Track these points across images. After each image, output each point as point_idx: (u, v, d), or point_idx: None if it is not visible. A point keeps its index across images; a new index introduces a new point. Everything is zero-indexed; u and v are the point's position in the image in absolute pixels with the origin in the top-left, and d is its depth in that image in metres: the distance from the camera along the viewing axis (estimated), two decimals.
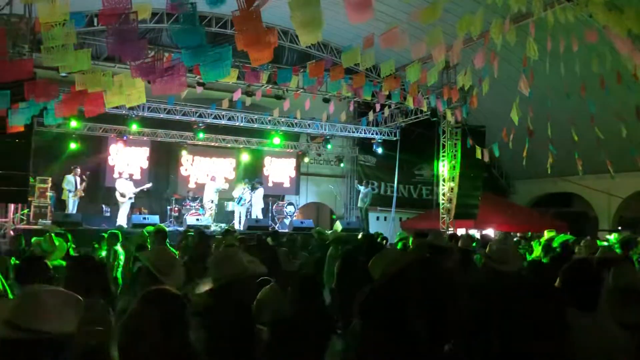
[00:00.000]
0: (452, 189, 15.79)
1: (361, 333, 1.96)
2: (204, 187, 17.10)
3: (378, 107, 15.78)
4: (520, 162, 11.96)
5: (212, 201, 16.48)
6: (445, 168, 16.06)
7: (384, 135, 18.32)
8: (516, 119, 9.46)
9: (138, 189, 15.64)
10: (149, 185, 16.10)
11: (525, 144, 11.33)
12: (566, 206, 21.16)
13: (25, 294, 1.86)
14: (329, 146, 18.59)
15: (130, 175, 16.49)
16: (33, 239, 6.51)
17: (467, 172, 15.32)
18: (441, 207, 16.24)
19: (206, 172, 18.70)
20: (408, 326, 1.75)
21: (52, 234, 6.32)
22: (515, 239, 12.35)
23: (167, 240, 7.36)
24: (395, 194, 18.79)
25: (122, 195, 15.28)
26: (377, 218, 20.28)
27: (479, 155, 13.27)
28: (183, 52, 6.76)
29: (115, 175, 17.35)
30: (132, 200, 15.69)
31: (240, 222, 16.21)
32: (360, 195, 17.72)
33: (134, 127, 15.52)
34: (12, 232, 11.49)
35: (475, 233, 17.08)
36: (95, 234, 10.56)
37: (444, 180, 16.19)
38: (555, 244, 7.59)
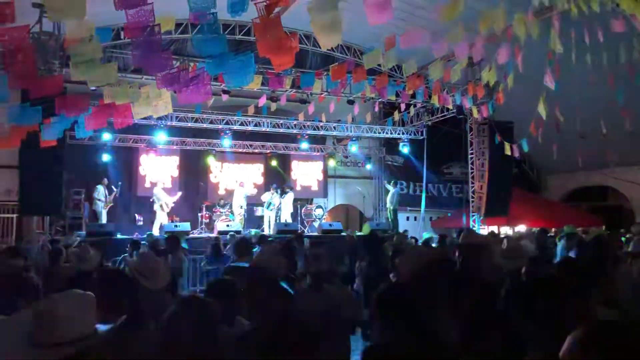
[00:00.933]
0: (482, 186, 15.61)
1: (379, 327, 2.01)
2: (233, 194, 17.28)
3: (403, 106, 15.71)
4: (551, 156, 11.75)
5: (241, 207, 16.65)
6: (475, 165, 15.89)
7: (410, 134, 18.22)
8: (544, 113, 9.30)
9: (174, 198, 15.96)
10: (179, 194, 16.36)
11: (554, 138, 11.14)
12: (601, 200, 20.67)
13: (37, 310, 1.90)
14: (353, 148, 18.58)
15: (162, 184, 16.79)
16: (69, 250, 6.67)
17: (496, 169, 15.13)
18: (471, 205, 16.07)
19: (235, 179, 18.88)
20: (421, 324, 1.76)
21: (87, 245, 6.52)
22: (549, 235, 12.13)
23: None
24: (424, 194, 18.66)
25: (163, 207, 15.57)
26: (407, 218, 20.18)
27: (508, 152, 13.08)
28: (207, 61, 6.87)
29: (147, 184, 17.71)
30: (168, 210, 16.02)
31: (269, 227, 16.31)
32: (389, 196, 17.66)
33: (163, 137, 15.78)
34: (48, 244, 11.77)
35: (507, 230, 16.88)
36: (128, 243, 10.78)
37: (473, 178, 16.01)
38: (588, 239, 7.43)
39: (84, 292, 2.03)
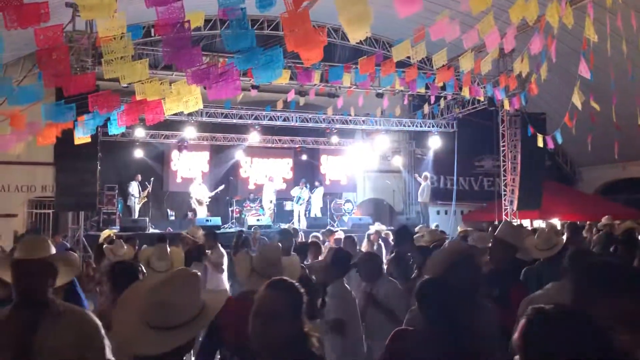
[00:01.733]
0: (514, 179, 15.35)
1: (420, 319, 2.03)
2: (263, 188, 17.41)
3: (433, 99, 15.54)
4: (585, 148, 11.47)
5: (271, 201, 16.76)
6: (507, 158, 15.63)
7: (440, 127, 18.01)
8: (579, 104, 9.08)
9: (213, 193, 16.21)
10: (221, 187, 16.55)
11: (589, 129, 10.87)
12: (638, 192, 20.09)
13: (152, 295, 2.00)
14: (382, 142, 18.46)
15: (192, 179, 17.03)
16: (104, 246, 6.80)
17: (529, 161, 14.85)
18: (504, 198, 15.83)
19: (264, 173, 19.00)
20: (452, 319, 1.75)
21: (121, 240, 6.66)
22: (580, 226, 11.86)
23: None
24: (455, 187, 18.43)
25: (199, 202, 15.87)
26: (438, 212, 19.98)
27: (540, 144, 12.82)
28: (236, 57, 6.90)
29: (179, 180, 18.00)
30: (207, 204, 16.28)
31: (299, 221, 16.37)
32: (419, 190, 17.51)
33: (193, 133, 15.96)
34: (84, 239, 12.04)
35: (541, 223, 16.57)
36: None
37: (505, 171, 15.76)
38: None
39: (191, 271, 2.15)
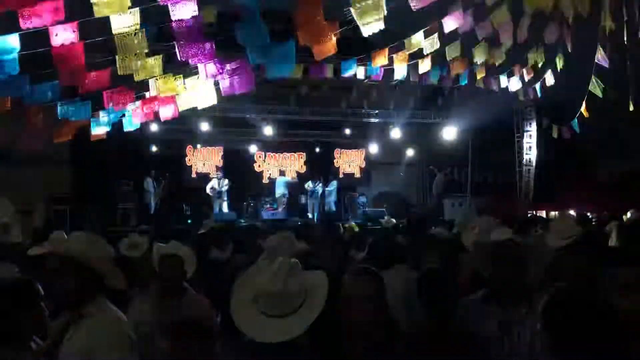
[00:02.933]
0: (529, 170, 15.23)
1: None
2: (275, 182, 17.46)
3: (447, 90, 15.43)
4: (603, 138, 11.36)
5: (284, 195, 16.77)
6: (522, 149, 15.51)
7: (455, 119, 17.84)
8: (598, 92, 8.98)
9: (226, 186, 16.23)
10: (228, 183, 16.60)
11: (606, 119, 10.75)
12: None
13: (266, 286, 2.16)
14: (396, 134, 18.36)
15: (206, 174, 17.12)
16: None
17: (544, 153, 14.73)
18: (519, 190, 15.72)
19: (279, 167, 19.04)
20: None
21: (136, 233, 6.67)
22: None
23: None
24: (469, 179, 18.30)
25: (219, 195, 15.90)
26: (452, 204, 19.83)
27: (555, 134, 12.71)
28: (248, 52, 6.92)
29: (193, 175, 18.13)
30: (224, 199, 16.29)
31: (313, 215, 16.39)
32: (434, 183, 17.44)
33: (208, 128, 16.02)
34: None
35: (557, 215, 16.42)
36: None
37: (520, 162, 15.64)
38: None
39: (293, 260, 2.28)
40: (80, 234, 2.75)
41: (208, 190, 16.04)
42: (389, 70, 12.12)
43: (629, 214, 9.32)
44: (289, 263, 2.21)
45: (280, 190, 16.90)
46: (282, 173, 17.60)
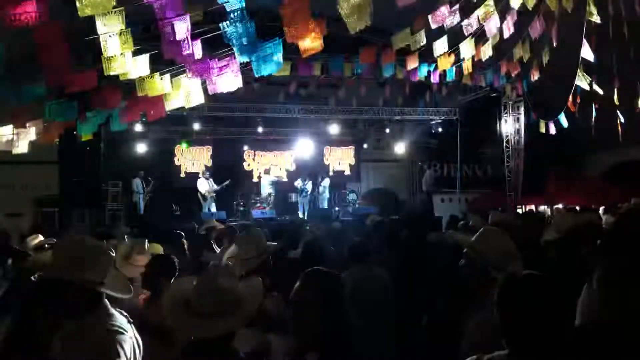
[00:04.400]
0: (518, 164, 15.33)
1: None
2: (260, 181, 17.45)
3: (435, 87, 15.46)
4: (589, 132, 11.43)
5: (269, 194, 16.71)
6: (510, 144, 15.60)
7: (443, 115, 17.91)
8: (585, 84, 9.05)
9: (219, 187, 16.18)
10: (227, 182, 16.50)
11: (592, 112, 10.83)
12: None
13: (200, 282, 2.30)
14: (385, 131, 18.42)
15: (195, 174, 17.05)
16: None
17: (532, 147, 14.83)
18: (508, 184, 15.81)
19: (268, 165, 19.02)
20: None
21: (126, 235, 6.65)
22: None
23: None
24: (459, 174, 18.38)
25: (204, 198, 15.87)
26: (442, 200, 19.91)
27: (542, 129, 12.80)
28: (235, 50, 6.89)
29: (182, 175, 18.05)
30: (214, 198, 16.24)
31: (304, 213, 16.39)
32: (424, 179, 17.50)
33: (196, 127, 15.96)
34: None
35: (546, 209, 16.55)
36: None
37: (508, 157, 15.73)
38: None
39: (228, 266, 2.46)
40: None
41: (204, 192, 15.97)
42: (377, 67, 12.15)
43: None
44: (224, 268, 2.40)
45: (265, 189, 16.83)
46: (267, 172, 17.54)
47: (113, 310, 2.47)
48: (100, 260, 2.43)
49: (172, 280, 3.91)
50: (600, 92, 9.83)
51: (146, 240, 4.74)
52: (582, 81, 8.94)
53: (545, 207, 16.68)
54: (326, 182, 17.30)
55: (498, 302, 1.90)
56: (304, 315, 2.26)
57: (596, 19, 7.42)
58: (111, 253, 2.56)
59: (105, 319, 2.40)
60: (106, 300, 2.45)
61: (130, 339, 2.42)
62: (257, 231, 4.06)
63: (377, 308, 4.19)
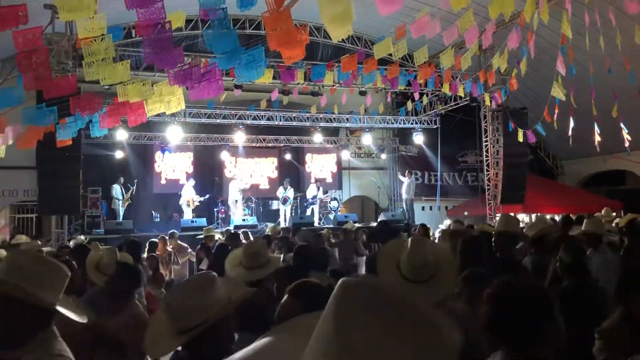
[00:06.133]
0: (497, 174, 15.52)
1: None
2: (228, 187, 17.36)
3: (416, 96, 15.63)
4: (567, 142, 11.62)
5: (236, 201, 16.58)
6: (489, 153, 15.80)
7: (423, 123, 18.10)
8: (561, 95, 9.20)
9: (202, 199, 16.18)
10: (206, 197, 16.52)
11: (570, 123, 11.02)
12: (619, 184, 20.37)
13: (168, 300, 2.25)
14: (366, 139, 18.52)
15: (176, 180, 16.97)
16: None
17: (511, 156, 15.03)
18: (487, 192, 16.00)
19: (249, 173, 18.98)
20: None
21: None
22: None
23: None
24: (439, 183, 18.55)
25: (187, 204, 15.82)
26: (422, 208, 20.10)
27: (520, 138, 12.99)
28: (218, 56, 6.90)
29: (163, 181, 17.92)
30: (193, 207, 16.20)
31: (285, 221, 16.37)
32: (404, 187, 17.61)
33: (177, 133, 15.89)
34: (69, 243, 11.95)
35: (525, 217, 16.77)
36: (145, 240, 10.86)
37: (488, 166, 15.92)
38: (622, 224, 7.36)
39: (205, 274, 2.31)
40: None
41: (189, 199, 15.92)
42: (358, 75, 12.25)
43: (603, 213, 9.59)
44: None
45: (233, 196, 16.70)
46: (234, 177, 17.47)
47: (58, 334, 2.15)
48: (57, 278, 2.15)
49: (135, 290, 3.88)
50: (575, 105, 10.02)
51: (116, 248, 4.73)
52: (558, 92, 9.10)
53: (524, 215, 16.91)
54: (313, 189, 17.39)
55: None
56: None
57: (569, 33, 7.57)
58: (67, 271, 2.22)
59: (52, 344, 2.09)
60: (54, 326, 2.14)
61: None
62: None
63: None
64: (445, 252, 2.79)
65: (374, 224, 15.33)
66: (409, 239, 2.74)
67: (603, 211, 10.44)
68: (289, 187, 16.95)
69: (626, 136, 11.29)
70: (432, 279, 2.59)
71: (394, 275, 2.60)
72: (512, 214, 11.82)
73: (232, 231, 9.78)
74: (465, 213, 17.83)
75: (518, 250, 5.42)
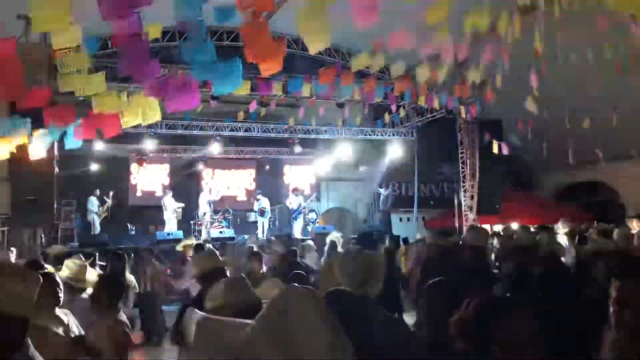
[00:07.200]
0: (473, 185, 15.69)
1: None
2: (198, 199, 17.20)
3: (394, 108, 15.73)
4: (542, 153, 11.81)
5: (205, 213, 16.43)
6: (466, 164, 15.97)
7: (401, 135, 18.23)
8: (534, 108, 9.37)
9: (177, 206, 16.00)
10: (181, 205, 16.34)
11: (544, 135, 11.23)
12: (592, 195, 20.73)
13: None
14: (344, 151, 18.56)
15: (152, 192, 16.77)
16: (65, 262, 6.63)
17: (487, 167, 15.21)
18: (464, 204, 16.14)
19: (227, 185, 18.88)
20: None
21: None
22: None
23: None
24: (416, 194, 18.67)
25: (168, 215, 15.63)
26: (400, 219, 20.17)
27: (495, 150, 13.17)
28: (193, 68, 6.86)
29: (139, 193, 17.72)
30: (179, 217, 15.97)
31: (263, 233, 16.29)
32: (381, 198, 17.67)
33: (153, 145, 15.75)
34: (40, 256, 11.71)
35: (500, 228, 16.93)
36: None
37: (464, 177, 16.09)
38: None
39: None
40: None
41: (172, 209, 15.71)
42: (336, 88, 12.29)
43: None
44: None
45: (202, 209, 16.52)
46: (206, 190, 17.35)
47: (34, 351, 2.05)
48: (31, 291, 2.01)
49: (119, 301, 3.87)
50: (545, 118, 10.21)
51: (89, 261, 4.68)
52: (531, 105, 9.26)
53: (500, 225, 17.08)
54: (296, 200, 17.29)
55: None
56: None
57: (540, 47, 7.73)
58: (39, 282, 2.08)
59: None
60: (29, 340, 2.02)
61: None
62: None
63: None
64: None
65: (353, 237, 15.33)
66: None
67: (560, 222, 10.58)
68: (262, 197, 16.83)
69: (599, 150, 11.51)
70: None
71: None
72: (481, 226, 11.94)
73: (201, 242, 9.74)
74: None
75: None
